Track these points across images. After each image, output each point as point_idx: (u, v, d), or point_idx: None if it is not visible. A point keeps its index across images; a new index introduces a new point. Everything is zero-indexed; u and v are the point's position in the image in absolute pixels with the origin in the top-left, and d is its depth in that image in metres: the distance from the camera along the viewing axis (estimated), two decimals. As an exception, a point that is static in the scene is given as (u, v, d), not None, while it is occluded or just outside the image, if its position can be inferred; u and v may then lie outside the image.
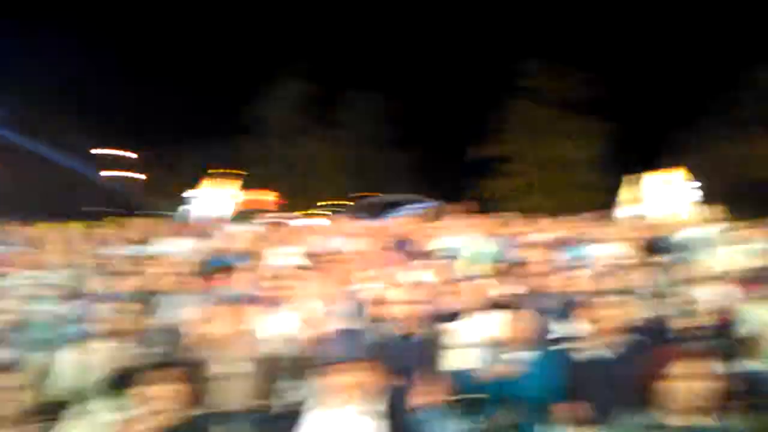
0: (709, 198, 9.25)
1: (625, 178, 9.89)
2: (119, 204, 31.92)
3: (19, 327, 4.40)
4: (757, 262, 6.66)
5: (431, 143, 39.16)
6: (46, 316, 4.64)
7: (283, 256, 7.66)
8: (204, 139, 34.06)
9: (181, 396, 2.39)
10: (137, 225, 9.71)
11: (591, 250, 6.81)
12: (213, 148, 33.11)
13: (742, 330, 4.35)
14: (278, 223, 10.36)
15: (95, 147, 33.02)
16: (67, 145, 31.87)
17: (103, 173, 32.06)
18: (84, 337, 3.87)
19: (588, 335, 3.50)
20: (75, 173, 31.54)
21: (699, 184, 10.39)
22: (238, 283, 5.85)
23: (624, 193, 9.67)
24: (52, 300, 5.09)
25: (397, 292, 3.65)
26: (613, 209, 12.65)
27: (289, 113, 30.48)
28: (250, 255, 7.76)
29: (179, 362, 2.54)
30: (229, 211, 11.71)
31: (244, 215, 25.24)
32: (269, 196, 17.22)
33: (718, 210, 7.36)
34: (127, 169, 34.42)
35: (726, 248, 7.27)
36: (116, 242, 8.68)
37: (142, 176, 34.93)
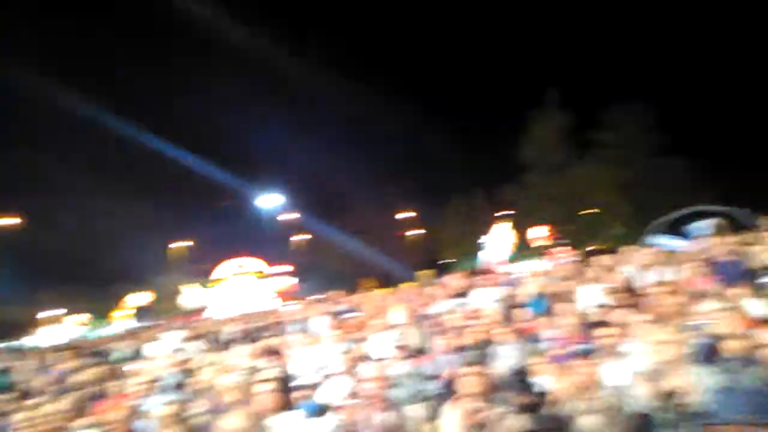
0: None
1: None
2: (421, 259, 35.39)
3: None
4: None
5: (706, 148, 32.95)
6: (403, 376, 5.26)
7: (592, 295, 7.32)
8: (469, 186, 36.23)
9: None
10: (449, 279, 10.03)
11: None
12: (480, 193, 35.03)
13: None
14: (570, 260, 10.08)
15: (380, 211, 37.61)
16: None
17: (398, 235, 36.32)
18: (439, 396, 4.34)
19: None
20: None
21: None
22: (557, 328, 5.81)
23: None
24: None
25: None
26: None
27: (550, 146, 30.09)
28: (555, 297, 7.59)
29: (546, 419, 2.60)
30: (508, 252, 11.93)
31: (525, 255, 25.44)
32: (544, 232, 16.96)
33: None
34: (412, 227, 38.18)
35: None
36: (439, 298, 9.04)
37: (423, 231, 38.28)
